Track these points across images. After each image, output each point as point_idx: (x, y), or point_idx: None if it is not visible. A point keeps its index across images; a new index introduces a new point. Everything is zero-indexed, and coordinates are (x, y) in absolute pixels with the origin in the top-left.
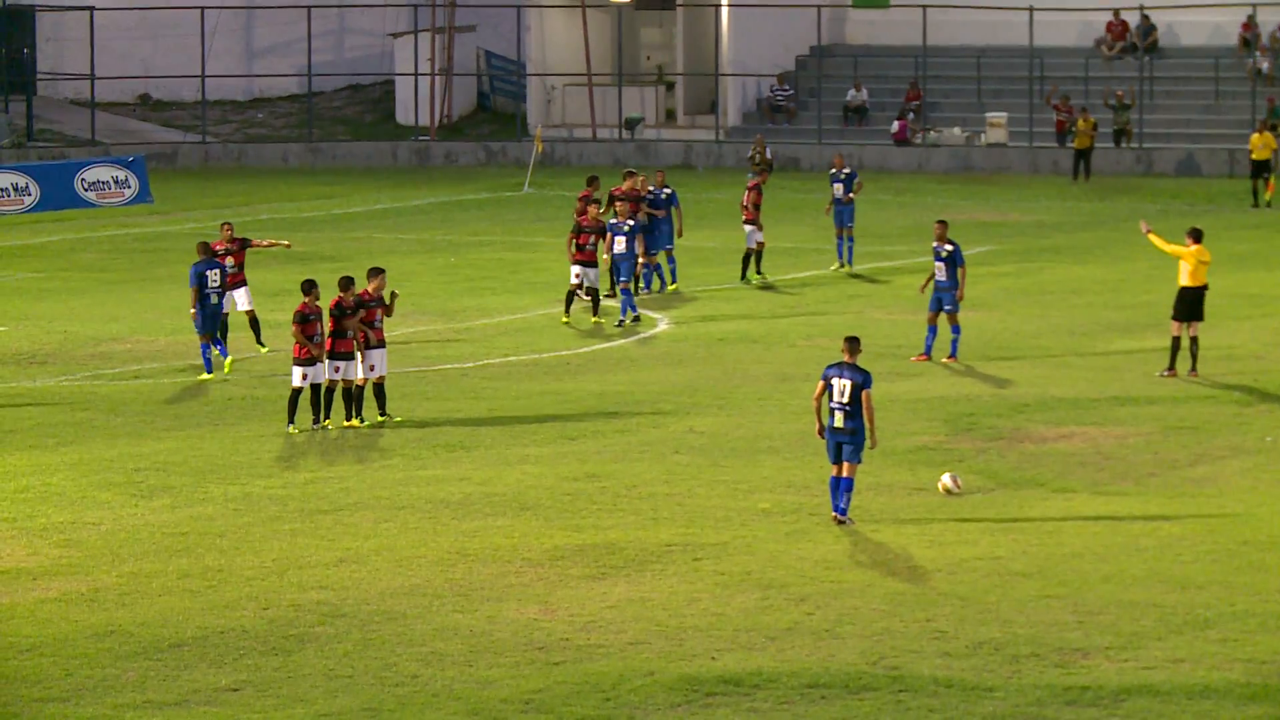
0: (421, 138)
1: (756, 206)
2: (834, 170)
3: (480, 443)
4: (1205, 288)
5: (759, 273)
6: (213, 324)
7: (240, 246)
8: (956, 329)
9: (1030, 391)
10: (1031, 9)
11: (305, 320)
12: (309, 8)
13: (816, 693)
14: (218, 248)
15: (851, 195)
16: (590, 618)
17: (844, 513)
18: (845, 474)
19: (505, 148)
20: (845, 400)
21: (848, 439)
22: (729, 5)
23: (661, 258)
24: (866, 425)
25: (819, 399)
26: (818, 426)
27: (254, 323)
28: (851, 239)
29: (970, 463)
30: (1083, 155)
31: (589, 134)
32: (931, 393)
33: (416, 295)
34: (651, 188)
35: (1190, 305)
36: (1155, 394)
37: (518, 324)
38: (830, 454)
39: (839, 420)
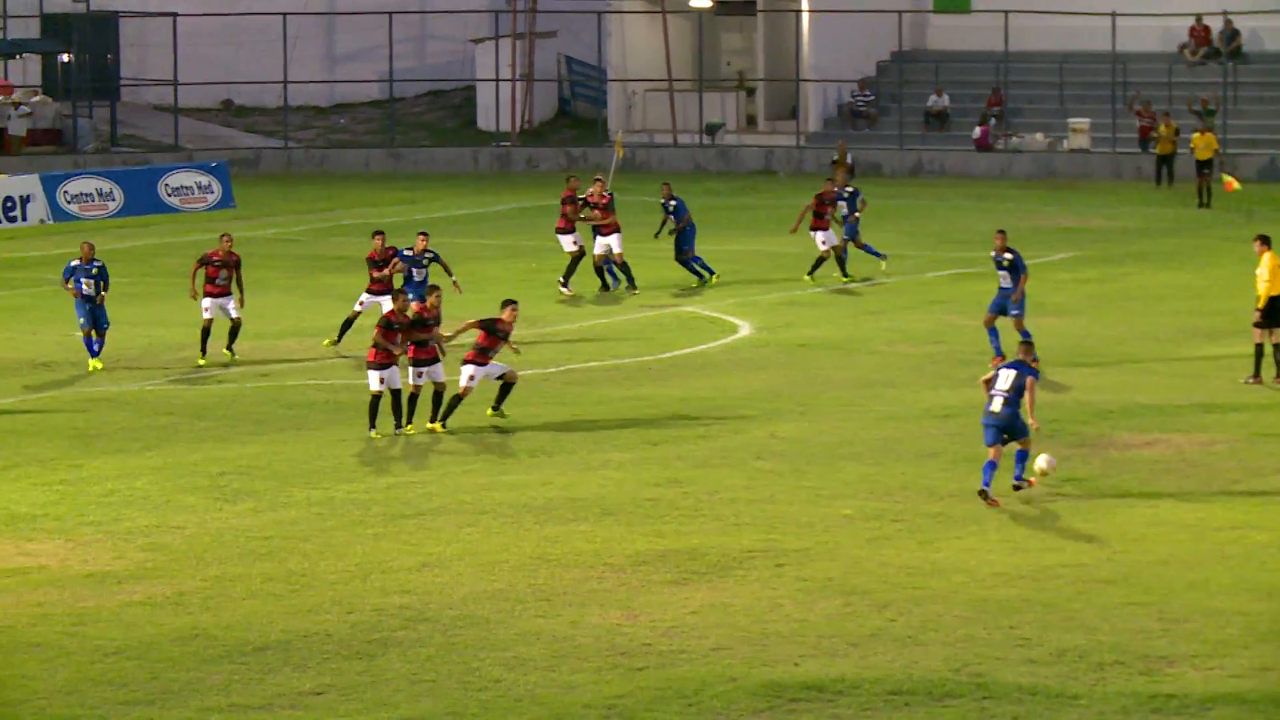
0: (502, 143)
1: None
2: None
3: (562, 448)
4: None
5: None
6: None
7: (235, 262)
8: (1025, 334)
9: (1115, 398)
10: (1114, 14)
11: (389, 328)
12: (391, 14)
13: (899, 700)
14: (214, 258)
15: (857, 214)
16: (673, 623)
17: (1020, 478)
18: (1020, 446)
19: (586, 153)
20: (1007, 388)
21: (1004, 422)
22: (810, 10)
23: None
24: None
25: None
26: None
27: (234, 330)
28: (865, 244)
29: (1056, 470)
30: (1165, 161)
31: (669, 139)
32: None
33: (498, 301)
34: (607, 192)
35: (1271, 312)
36: (1240, 401)
37: (599, 329)
38: (987, 437)
39: (996, 405)
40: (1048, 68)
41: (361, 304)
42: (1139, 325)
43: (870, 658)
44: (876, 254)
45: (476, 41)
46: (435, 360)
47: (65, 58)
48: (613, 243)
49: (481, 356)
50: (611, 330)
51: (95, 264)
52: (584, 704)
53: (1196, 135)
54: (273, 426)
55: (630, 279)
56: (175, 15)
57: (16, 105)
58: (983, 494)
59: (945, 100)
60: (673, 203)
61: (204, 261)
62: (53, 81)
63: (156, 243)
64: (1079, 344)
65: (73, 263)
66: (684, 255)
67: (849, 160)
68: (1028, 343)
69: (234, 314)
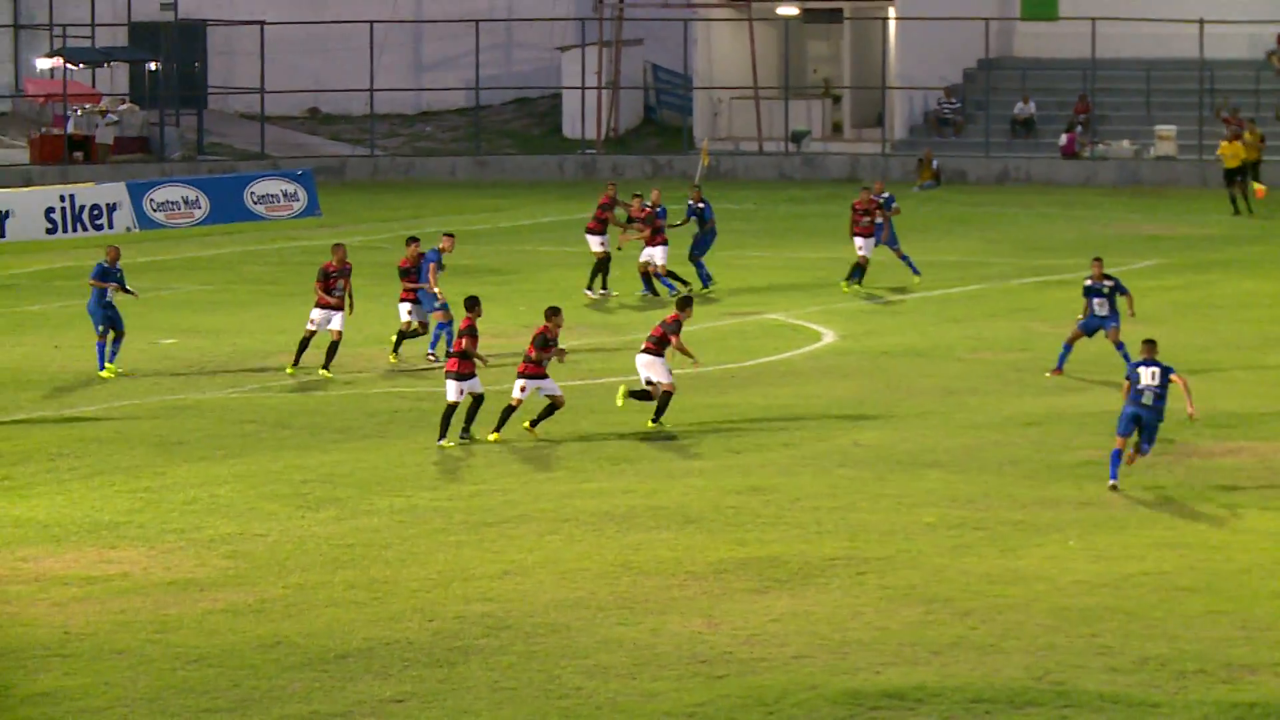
0: (588, 151)
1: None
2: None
3: (644, 455)
4: None
5: (854, 282)
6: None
7: (348, 271)
8: (1121, 346)
9: (1198, 406)
10: (1202, 21)
11: (474, 336)
12: (477, 22)
13: (980, 708)
14: (330, 269)
15: (892, 214)
16: (754, 631)
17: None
18: (1133, 448)
19: (672, 160)
20: (1156, 383)
21: (1152, 416)
22: (896, 18)
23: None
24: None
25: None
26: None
27: (333, 348)
28: (904, 255)
29: (1138, 477)
30: (1251, 168)
31: (755, 147)
32: (1098, 407)
33: (581, 308)
34: (647, 204)
35: None
36: None
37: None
38: (1122, 427)
39: (1148, 399)
40: (1134, 75)
41: (410, 314)
42: (1223, 333)
43: (951, 666)
44: (913, 268)
45: (563, 49)
46: (473, 375)
47: (153, 66)
48: (657, 254)
49: (534, 368)
50: (693, 337)
51: (119, 269)
52: (664, 711)
53: (1224, 144)
54: (356, 434)
55: (671, 287)
56: (262, 24)
57: (104, 114)
58: (1113, 488)
59: (1031, 108)
60: (701, 204)
61: (324, 274)
62: (140, 90)
63: (241, 250)
64: (1163, 351)
65: (103, 263)
66: (696, 257)
67: (935, 166)
68: (1150, 341)
69: (337, 328)
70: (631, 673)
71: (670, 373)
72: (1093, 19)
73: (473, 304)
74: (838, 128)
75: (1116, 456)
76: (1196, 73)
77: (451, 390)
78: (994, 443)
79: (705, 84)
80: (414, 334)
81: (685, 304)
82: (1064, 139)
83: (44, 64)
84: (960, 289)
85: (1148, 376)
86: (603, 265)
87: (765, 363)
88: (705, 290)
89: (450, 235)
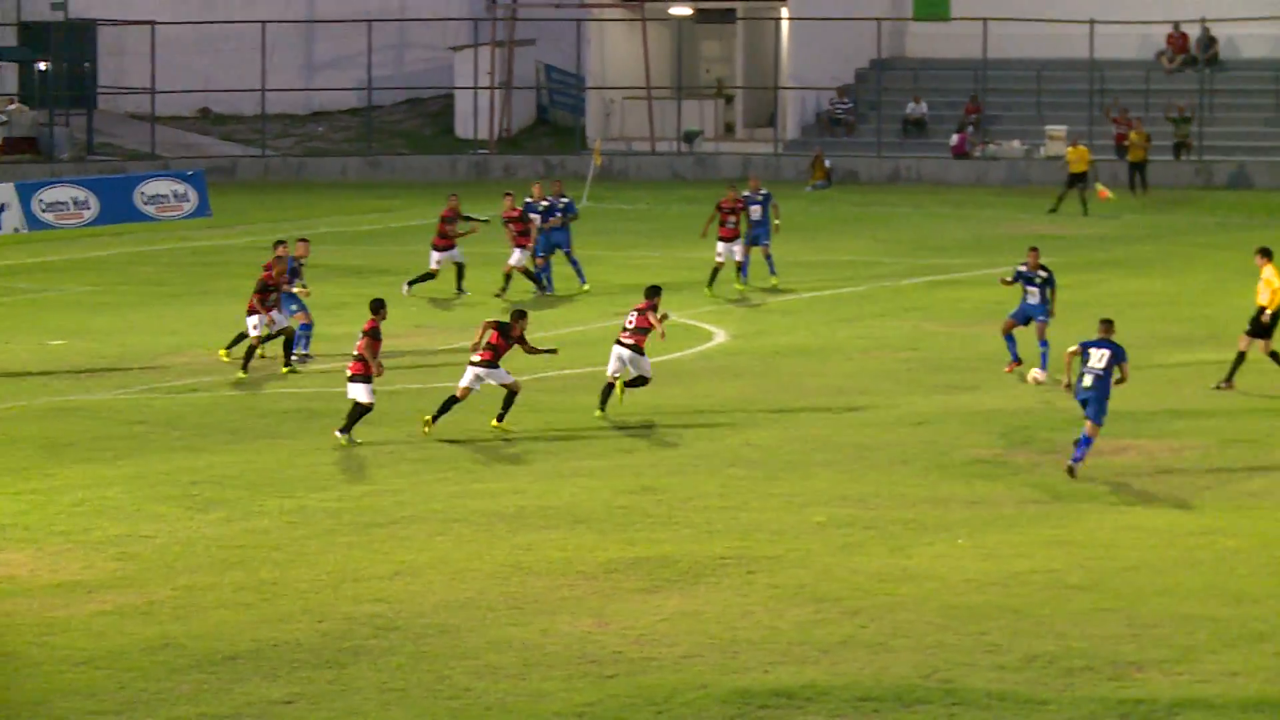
0: (481, 151)
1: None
2: (749, 192)
3: (535, 456)
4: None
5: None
6: None
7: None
8: (1044, 343)
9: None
10: (1092, 22)
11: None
12: (369, 22)
13: (869, 706)
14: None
15: (776, 223)
16: (644, 631)
17: (1078, 461)
18: (1088, 433)
19: (564, 161)
20: (1101, 366)
21: (1093, 397)
22: (789, 19)
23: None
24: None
25: (1070, 359)
26: (1065, 381)
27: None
28: (769, 256)
29: (1025, 476)
30: (1138, 168)
31: (648, 147)
32: (987, 406)
33: (476, 309)
34: (548, 198)
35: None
36: (1212, 407)
37: (575, 336)
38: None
39: (1087, 381)
40: (1025, 75)
41: (255, 327)
42: None
43: (840, 664)
44: (772, 269)
45: (455, 49)
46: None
47: (42, 66)
48: (516, 255)
49: (490, 355)
50: (585, 337)
51: None
52: (554, 712)
53: (1070, 149)
54: (245, 435)
55: (504, 288)
56: (153, 24)
57: None
58: (1070, 470)
59: (923, 108)
60: (564, 200)
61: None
62: (30, 89)
63: (132, 251)
64: (1052, 350)
65: None
66: (567, 253)
67: (827, 166)
68: (1108, 321)
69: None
70: (521, 673)
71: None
72: (984, 19)
73: (378, 306)
74: (730, 128)
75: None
76: (1087, 73)
77: (354, 390)
78: (884, 442)
79: (598, 84)
80: (268, 339)
81: (520, 316)
82: (955, 139)
83: None
84: (851, 289)
85: (1096, 358)
86: (429, 278)
87: (657, 362)
88: (549, 295)
89: (304, 240)
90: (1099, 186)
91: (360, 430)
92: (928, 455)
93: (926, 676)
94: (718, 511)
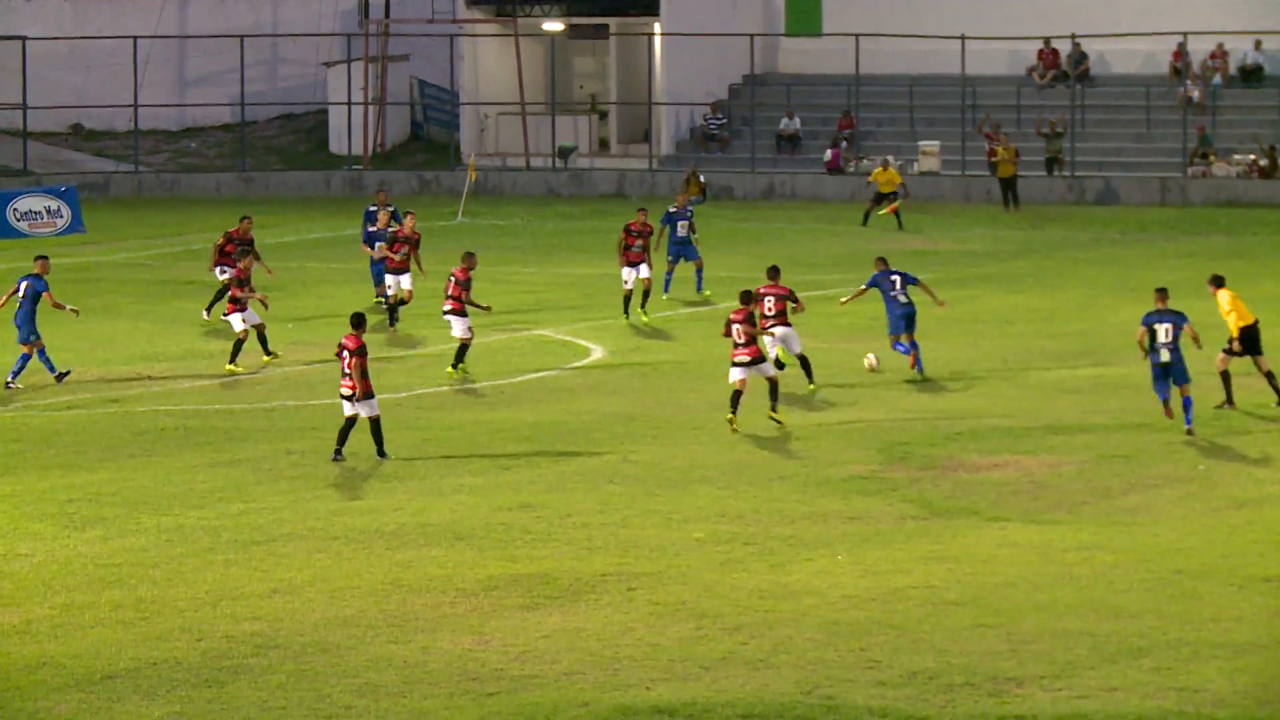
0: (355, 167)
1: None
2: (674, 208)
3: (414, 473)
4: (1257, 322)
5: (642, 309)
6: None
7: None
8: (915, 344)
9: (963, 421)
10: (964, 38)
11: (364, 354)
12: (241, 37)
13: None
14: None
15: (696, 236)
16: (525, 648)
17: (1190, 424)
18: (1186, 394)
19: (439, 177)
20: (1169, 339)
21: (1174, 367)
22: (661, 34)
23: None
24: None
25: (1141, 337)
26: (1142, 355)
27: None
28: (700, 269)
29: (904, 492)
30: (1008, 184)
31: (522, 163)
32: (865, 420)
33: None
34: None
35: (1249, 341)
36: (1088, 423)
37: (450, 353)
38: (1157, 388)
39: (1164, 356)
40: (898, 90)
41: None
42: (987, 347)
43: (722, 681)
44: (666, 289)
45: (328, 65)
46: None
47: None
48: (405, 280)
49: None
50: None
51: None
52: None
53: (878, 171)
54: (122, 453)
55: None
56: (24, 39)
57: None
58: (1165, 404)
59: (797, 123)
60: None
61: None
62: None
63: (5, 268)
64: (928, 366)
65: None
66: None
67: (702, 180)
68: (1163, 289)
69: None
70: (402, 691)
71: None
72: (856, 35)
73: (360, 321)
74: (604, 143)
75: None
76: (959, 88)
77: (346, 407)
78: (763, 458)
79: (472, 100)
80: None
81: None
82: (829, 154)
83: None
84: (727, 305)
85: (1162, 333)
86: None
87: (534, 378)
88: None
89: (43, 258)
90: (893, 205)
91: (236, 447)
92: (806, 471)
93: (808, 693)
94: (597, 528)
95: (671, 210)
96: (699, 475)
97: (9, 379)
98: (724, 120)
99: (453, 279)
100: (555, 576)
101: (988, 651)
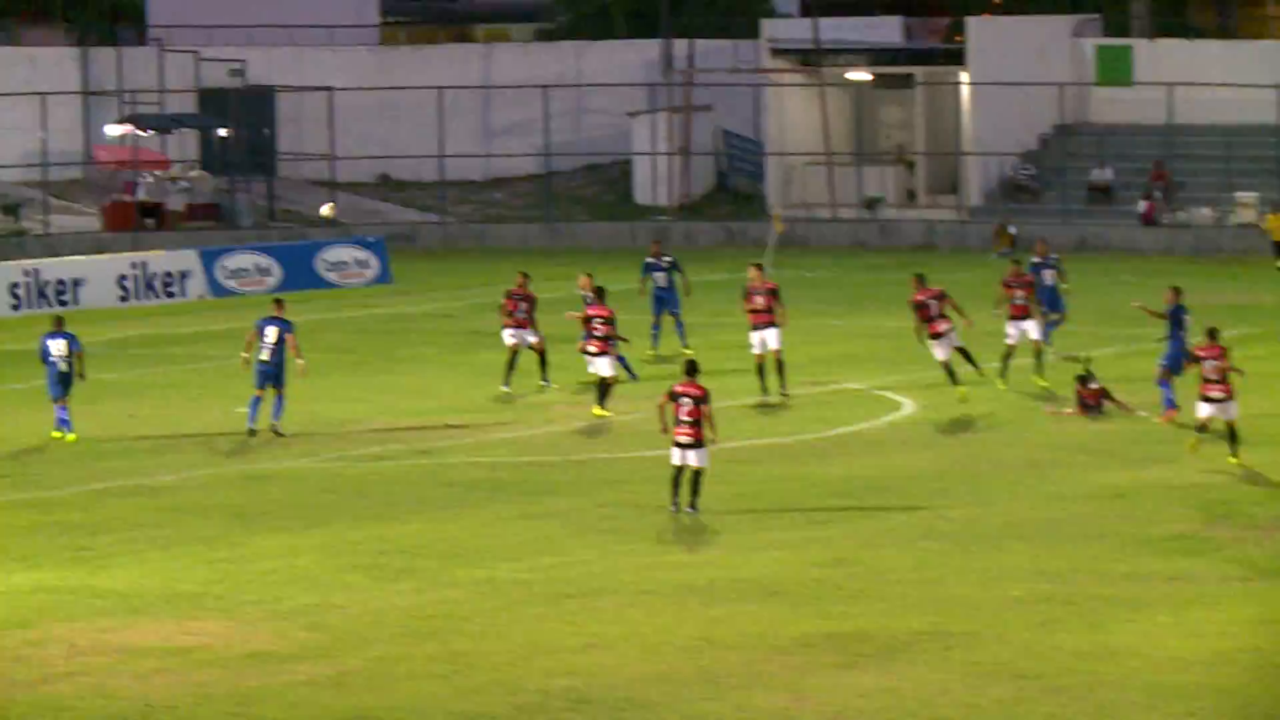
0: (659, 217)
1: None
2: (1038, 259)
3: (725, 527)
4: None
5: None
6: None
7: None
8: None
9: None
10: (1279, 86)
11: (675, 399)
12: (546, 87)
13: None
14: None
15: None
16: (840, 707)
17: None
18: None
19: (745, 227)
20: None
21: None
22: (969, 84)
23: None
24: None
25: None
26: None
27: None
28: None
29: (1227, 551)
30: None
31: (828, 214)
32: (1184, 479)
33: (657, 378)
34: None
35: None
36: None
37: (761, 407)
38: None
39: None
40: (1212, 141)
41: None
42: None
43: None
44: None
45: (633, 115)
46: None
47: (223, 133)
48: (770, 337)
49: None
50: (771, 407)
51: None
52: None
53: (1270, 215)
54: (433, 504)
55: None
56: (331, 90)
57: (175, 180)
58: None
59: (1109, 174)
60: (666, 259)
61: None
62: (211, 156)
63: (316, 319)
64: (1250, 423)
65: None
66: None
67: (1012, 232)
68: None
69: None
70: None
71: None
72: (1169, 84)
73: (694, 368)
74: (912, 194)
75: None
76: (1276, 139)
77: (675, 456)
78: (1081, 516)
79: (777, 150)
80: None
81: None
82: (1143, 206)
83: (114, 130)
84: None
85: None
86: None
87: (845, 433)
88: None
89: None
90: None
91: (547, 500)
92: (1125, 529)
93: None
94: (912, 585)
95: (1035, 260)
96: (1015, 532)
97: (272, 423)
98: (1034, 171)
99: (598, 318)
100: (870, 634)
101: None
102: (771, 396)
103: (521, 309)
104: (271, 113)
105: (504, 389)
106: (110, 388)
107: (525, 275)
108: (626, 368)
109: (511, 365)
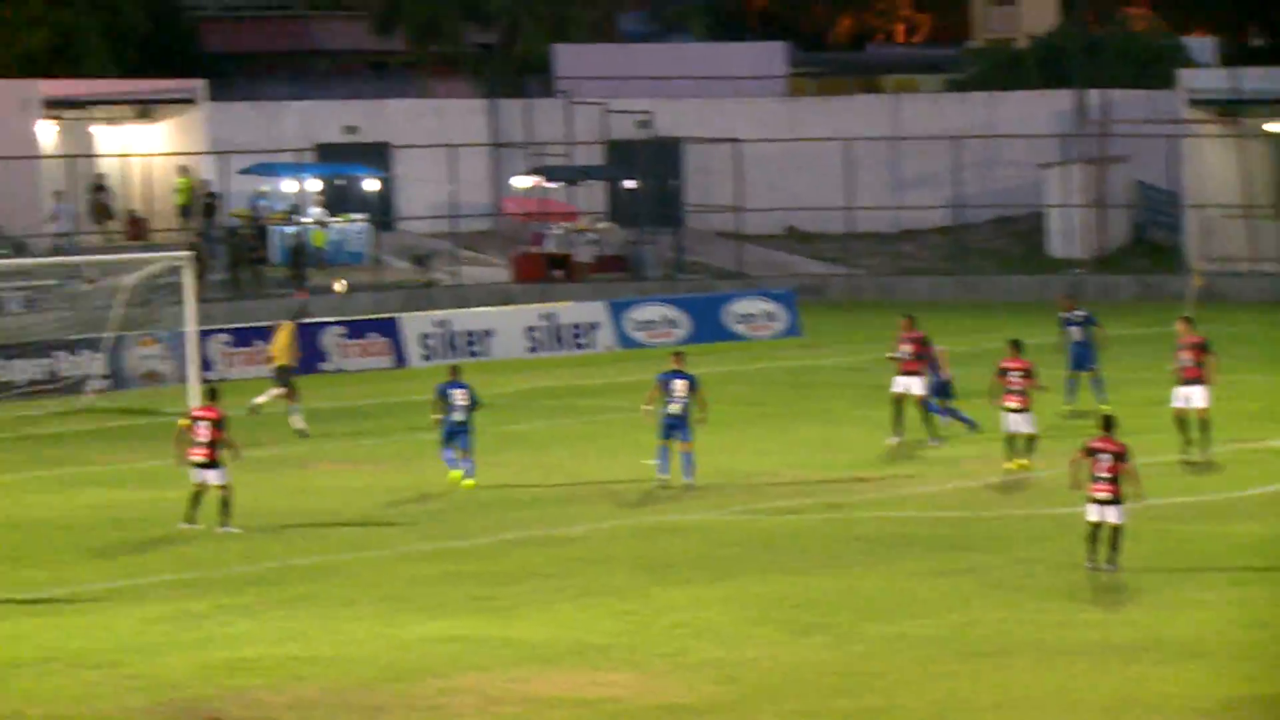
0: (1075, 270)
1: None
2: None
3: (1144, 585)
4: None
5: None
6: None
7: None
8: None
9: None
10: None
11: (1092, 454)
12: (956, 138)
13: None
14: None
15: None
16: None
17: None
18: None
19: (1162, 281)
20: None
21: None
22: None
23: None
24: None
25: None
26: None
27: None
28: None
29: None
30: None
31: (1247, 268)
32: None
33: (1073, 434)
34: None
35: None
36: None
37: (1172, 465)
38: None
39: None
40: None
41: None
42: None
43: None
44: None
45: (1045, 166)
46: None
47: (630, 184)
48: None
49: None
50: (1190, 467)
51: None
52: None
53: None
54: (843, 558)
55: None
56: (738, 141)
57: (583, 232)
58: None
59: None
60: (1079, 314)
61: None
62: (618, 208)
63: (724, 371)
64: None
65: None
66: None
67: None
68: None
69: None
70: None
71: None
72: None
73: (1111, 423)
74: None
75: None
76: None
77: (1092, 512)
78: None
79: (1196, 202)
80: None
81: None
82: None
83: (522, 182)
84: None
85: None
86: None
87: (1269, 492)
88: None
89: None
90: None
91: (959, 556)
92: None
93: None
94: None
95: None
96: None
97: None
98: None
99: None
100: None
101: None
102: (1192, 453)
103: (905, 351)
104: (678, 164)
105: (891, 440)
106: (518, 438)
107: (910, 318)
108: (963, 419)
109: (898, 415)
